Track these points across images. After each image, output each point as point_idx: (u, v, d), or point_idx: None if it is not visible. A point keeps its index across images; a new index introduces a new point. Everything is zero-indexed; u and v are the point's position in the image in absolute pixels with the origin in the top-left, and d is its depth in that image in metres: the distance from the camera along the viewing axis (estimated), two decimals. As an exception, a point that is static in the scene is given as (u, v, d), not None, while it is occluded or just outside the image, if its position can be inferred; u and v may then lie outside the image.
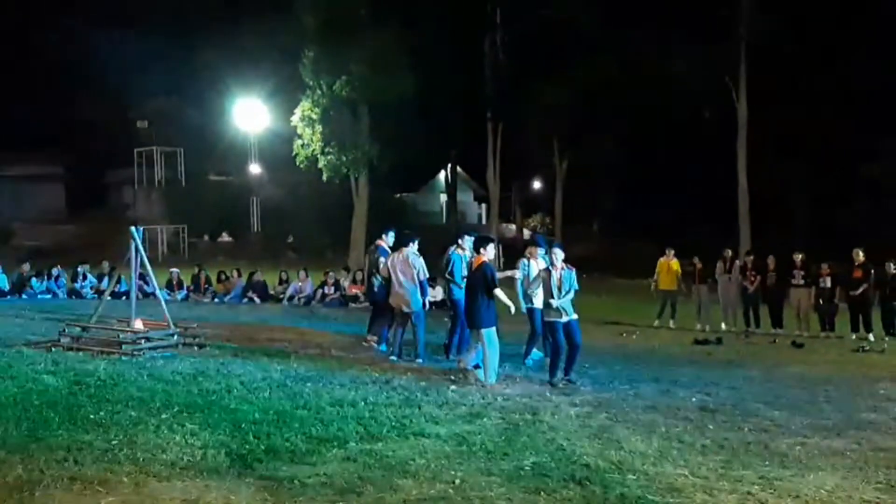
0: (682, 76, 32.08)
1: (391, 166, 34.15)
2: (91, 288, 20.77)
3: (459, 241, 11.33)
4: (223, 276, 21.40)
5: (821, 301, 15.91)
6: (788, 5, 29.68)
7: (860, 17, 30.83)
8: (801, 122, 33.77)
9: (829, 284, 15.75)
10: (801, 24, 29.42)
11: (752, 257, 17.28)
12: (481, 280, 9.68)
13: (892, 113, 31.79)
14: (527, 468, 5.98)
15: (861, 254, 15.66)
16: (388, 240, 12.19)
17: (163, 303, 11.81)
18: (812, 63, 32.23)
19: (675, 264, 17.14)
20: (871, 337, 15.12)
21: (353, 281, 20.31)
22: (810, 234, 29.83)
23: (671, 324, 17.04)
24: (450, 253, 11.38)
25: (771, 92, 32.65)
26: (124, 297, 16.72)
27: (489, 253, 9.91)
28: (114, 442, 6.24)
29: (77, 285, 20.94)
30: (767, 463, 6.35)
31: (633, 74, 33.27)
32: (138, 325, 11.20)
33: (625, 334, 15.77)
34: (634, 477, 5.86)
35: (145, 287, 16.76)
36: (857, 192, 36.30)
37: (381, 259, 11.76)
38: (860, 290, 15.44)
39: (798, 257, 16.19)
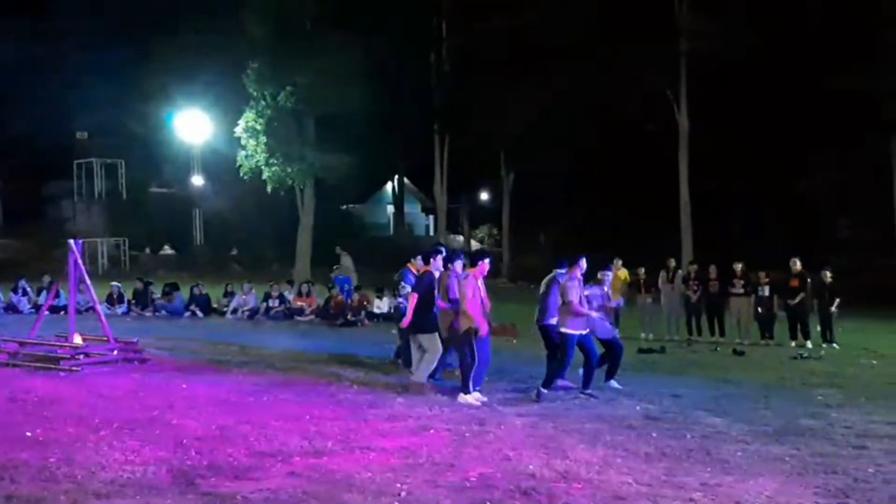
0: (625, 89, 32.62)
1: (337, 178, 34.05)
2: (29, 302, 20.28)
3: (450, 265, 10.43)
4: (166, 290, 21.06)
5: (759, 309, 16.23)
6: (728, 16, 30.36)
7: (797, 30, 31.66)
8: (739, 136, 34.65)
9: (767, 293, 16.08)
10: (740, 37, 30.10)
11: (695, 267, 17.57)
12: (428, 288, 9.92)
13: (822, 128, 32.79)
14: (473, 479, 5.99)
15: (798, 263, 16.00)
16: (418, 264, 11.44)
17: (103, 317, 11.61)
18: (749, 76, 33.04)
19: (623, 274, 17.33)
20: (808, 344, 15.46)
21: (299, 294, 20.17)
22: (748, 243, 30.50)
23: (616, 333, 17.14)
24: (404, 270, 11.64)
25: (709, 105, 33.33)
26: (63, 312, 16.36)
27: (457, 266, 9.89)
28: (52, 460, 6.11)
29: (14, 299, 20.42)
30: (709, 469, 6.46)
31: (579, 87, 33.65)
32: (77, 340, 10.99)
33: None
34: (580, 486, 5.92)
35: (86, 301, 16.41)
36: (791, 205, 37.25)
37: (405, 285, 11.38)
38: (797, 298, 15.79)
39: (738, 267, 16.52)
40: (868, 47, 29.87)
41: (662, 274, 17.30)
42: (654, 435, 7.61)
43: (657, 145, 35.67)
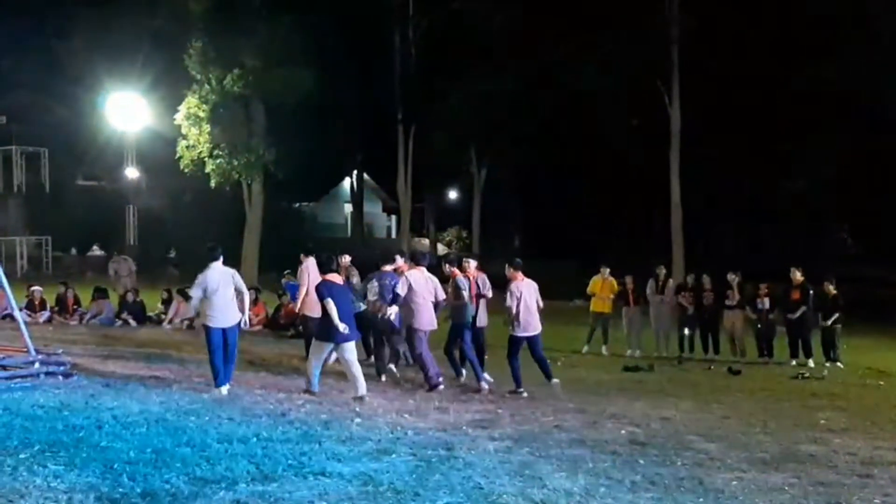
0: (607, 80, 32.91)
1: (289, 172, 33.88)
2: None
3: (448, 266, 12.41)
4: (94, 295, 20.83)
5: (758, 325, 16.39)
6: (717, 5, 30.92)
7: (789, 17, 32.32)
8: (730, 132, 35.15)
9: (767, 306, 16.24)
10: (731, 26, 30.71)
11: (691, 276, 17.71)
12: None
13: (816, 122, 33.44)
14: (441, 510, 5.99)
15: (798, 273, 16.18)
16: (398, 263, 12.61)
17: (22, 325, 11.45)
18: (741, 69, 33.55)
19: (611, 284, 17.41)
20: (810, 363, 15.66)
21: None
22: (739, 251, 31.03)
23: (603, 350, 17.28)
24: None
25: (700, 97, 33.77)
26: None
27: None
28: (-38, 486, 6.01)
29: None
30: (702, 500, 6.51)
31: (554, 75, 33.90)
32: (-8, 351, 10.83)
33: (548, 361, 15.90)
34: (559, 517, 5.94)
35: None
36: (782, 207, 37.86)
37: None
38: (798, 312, 15.98)
39: (733, 277, 16.63)
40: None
41: (651, 283, 17.41)
42: (642, 462, 7.66)
43: (645, 141, 36.01)
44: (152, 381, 11.09)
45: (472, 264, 12.63)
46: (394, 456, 7.47)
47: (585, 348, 17.42)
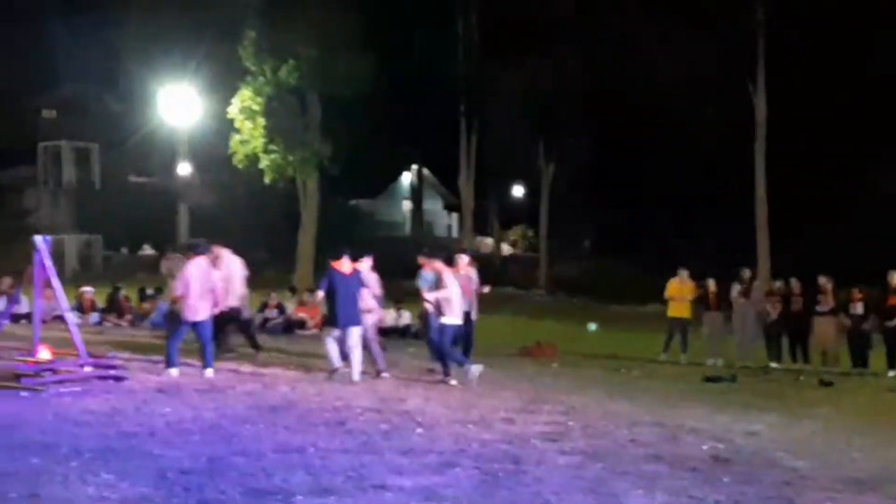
0: (684, 69, 32.51)
1: (345, 168, 34.11)
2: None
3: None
4: (147, 296, 21.19)
5: (851, 333, 16.07)
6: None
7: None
8: (818, 124, 34.46)
9: (861, 311, 15.90)
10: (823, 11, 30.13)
11: (780, 282, 17.42)
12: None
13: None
14: (508, 528, 5.97)
15: (897, 277, 15.83)
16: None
17: (73, 327, 11.67)
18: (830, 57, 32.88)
19: (690, 287, 17.23)
20: (910, 374, 15.32)
21: (301, 303, 20.26)
22: (834, 253, 30.38)
23: (682, 358, 17.13)
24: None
25: (787, 88, 33.18)
26: (24, 321, 16.48)
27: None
28: (12, 495, 6.12)
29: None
30: (791, 522, 6.40)
31: (628, 66, 33.62)
32: (43, 354, 11.05)
33: (623, 370, 15.82)
34: (636, 538, 5.87)
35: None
36: (877, 204, 36.97)
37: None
38: (897, 319, 15.61)
39: (824, 281, 16.30)
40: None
41: (735, 286, 17.18)
42: (725, 480, 7.54)
43: (725, 134, 35.50)
44: (205, 386, 11.25)
45: (464, 260, 13.83)
46: (457, 469, 7.45)
47: (663, 356, 17.29)
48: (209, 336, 12.34)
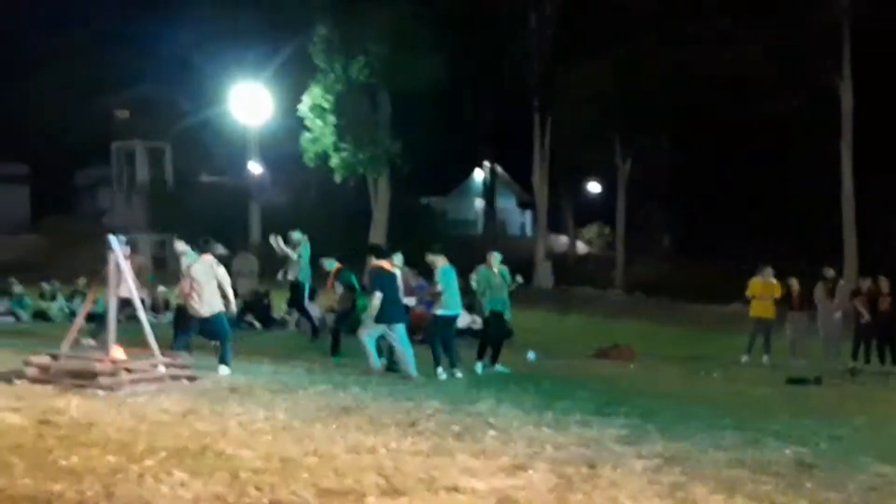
0: (766, 64, 31.99)
1: (416, 165, 34.23)
2: (61, 309, 20.98)
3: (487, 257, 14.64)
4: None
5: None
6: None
7: None
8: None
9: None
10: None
11: (868, 282, 17.09)
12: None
13: None
14: (584, 532, 5.97)
15: None
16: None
17: (147, 326, 11.89)
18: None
19: (774, 286, 17.00)
20: None
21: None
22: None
23: (764, 360, 16.92)
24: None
25: (874, 78, 32.41)
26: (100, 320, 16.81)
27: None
28: (88, 493, 6.27)
29: (44, 305, 21.17)
30: (879, 530, 6.29)
31: (706, 57, 33.17)
32: (117, 353, 11.28)
33: (703, 372, 15.67)
34: (715, 545, 5.83)
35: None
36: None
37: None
38: None
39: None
40: None
41: (820, 286, 16.92)
42: (808, 485, 7.44)
43: (809, 126, 34.81)
44: (277, 385, 11.40)
45: (495, 257, 14.62)
46: (531, 472, 7.45)
47: (745, 358, 17.09)
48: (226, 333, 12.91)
